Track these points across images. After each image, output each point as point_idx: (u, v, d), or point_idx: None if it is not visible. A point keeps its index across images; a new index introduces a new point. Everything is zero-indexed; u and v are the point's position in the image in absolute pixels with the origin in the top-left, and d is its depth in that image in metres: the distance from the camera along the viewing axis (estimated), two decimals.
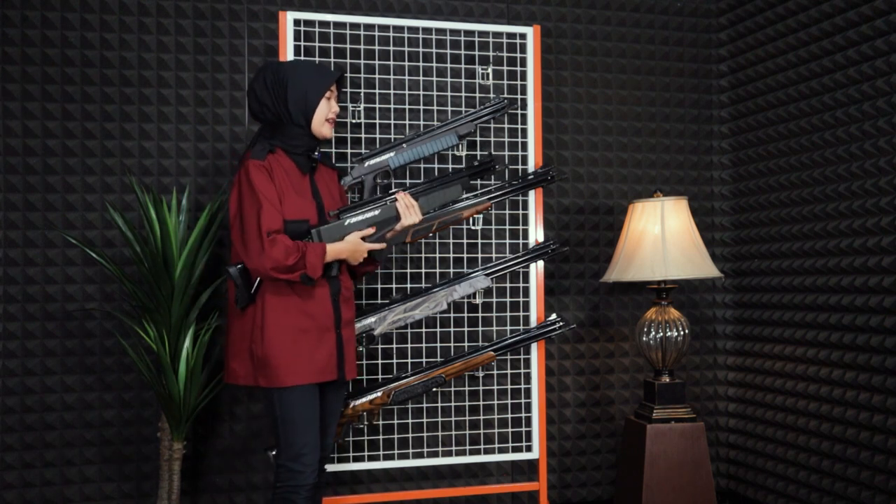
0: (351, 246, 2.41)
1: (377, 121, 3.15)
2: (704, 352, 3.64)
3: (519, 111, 3.23)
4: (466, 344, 3.18)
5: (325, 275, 2.37)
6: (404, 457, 3.13)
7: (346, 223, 2.42)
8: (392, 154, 2.88)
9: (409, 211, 2.53)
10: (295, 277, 2.28)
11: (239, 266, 2.32)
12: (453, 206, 2.93)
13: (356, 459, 3.07)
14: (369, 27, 3.13)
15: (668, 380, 3.10)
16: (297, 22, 2.97)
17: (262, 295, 2.33)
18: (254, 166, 2.29)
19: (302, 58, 2.96)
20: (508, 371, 3.21)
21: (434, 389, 2.98)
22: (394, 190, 2.60)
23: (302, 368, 2.30)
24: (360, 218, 2.45)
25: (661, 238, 3.02)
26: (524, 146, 3.17)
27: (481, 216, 3.11)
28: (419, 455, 3.18)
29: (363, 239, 2.44)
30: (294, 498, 2.31)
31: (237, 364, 2.36)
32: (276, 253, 2.23)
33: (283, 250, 2.24)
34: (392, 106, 3.18)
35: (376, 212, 2.48)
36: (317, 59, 3.12)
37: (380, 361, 3.08)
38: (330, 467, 2.93)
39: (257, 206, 2.26)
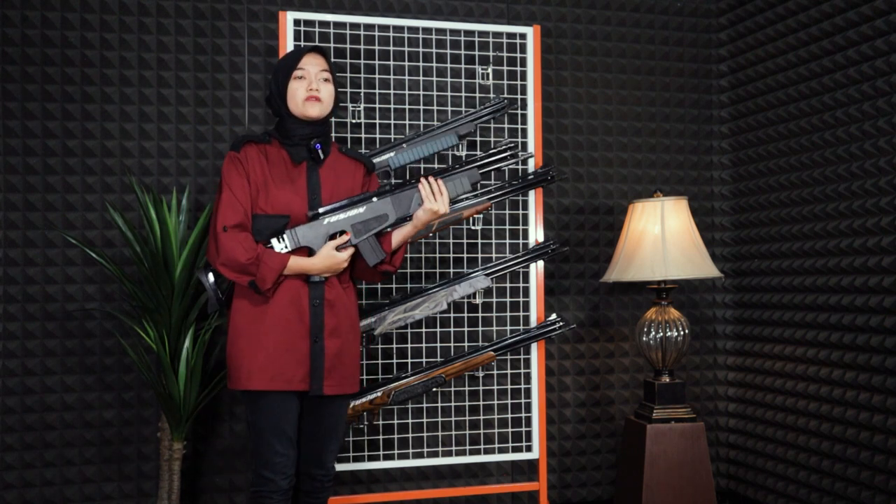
0: (324, 262, 2.22)
1: (377, 121, 3.15)
2: (704, 352, 3.64)
3: (519, 111, 3.23)
4: (466, 344, 3.18)
5: (307, 280, 2.24)
6: (404, 457, 3.13)
7: (324, 222, 2.25)
8: (392, 154, 2.88)
9: (435, 196, 2.31)
10: (244, 281, 2.17)
11: (212, 269, 2.26)
12: (453, 205, 2.93)
13: (356, 459, 3.07)
14: (369, 27, 3.13)
15: (668, 380, 3.10)
16: (297, 22, 2.98)
17: (234, 298, 2.27)
18: (227, 158, 2.25)
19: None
20: (508, 371, 3.21)
21: (434, 389, 2.98)
22: (385, 186, 2.39)
23: (261, 373, 2.18)
24: (341, 217, 2.26)
25: (661, 238, 3.02)
26: (524, 146, 3.17)
27: (481, 216, 3.11)
28: (419, 455, 3.18)
29: (338, 248, 2.25)
30: (266, 502, 2.24)
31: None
32: (229, 247, 2.14)
33: (239, 247, 2.14)
34: (392, 106, 3.18)
35: (361, 209, 2.28)
36: None
37: (380, 361, 3.08)
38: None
39: (221, 198, 2.22)
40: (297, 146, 2.30)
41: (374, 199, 2.30)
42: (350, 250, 2.27)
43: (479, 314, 3.22)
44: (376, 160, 2.87)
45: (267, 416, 2.21)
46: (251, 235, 2.21)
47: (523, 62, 3.21)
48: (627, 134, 3.57)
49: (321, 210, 2.26)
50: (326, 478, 2.37)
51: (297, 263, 2.21)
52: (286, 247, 2.23)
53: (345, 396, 2.34)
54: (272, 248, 2.22)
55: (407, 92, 3.18)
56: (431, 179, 2.35)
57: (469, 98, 3.24)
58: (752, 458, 3.45)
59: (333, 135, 3.07)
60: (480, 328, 3.22)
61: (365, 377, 3.06)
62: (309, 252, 2.26)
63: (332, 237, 2.27)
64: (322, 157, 2.31)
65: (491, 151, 2.89)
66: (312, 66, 2.30)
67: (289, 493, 2.27)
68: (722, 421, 3.63)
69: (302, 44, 3.00)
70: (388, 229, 2.36)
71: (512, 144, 2.89)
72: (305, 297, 2.23)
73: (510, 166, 2.91)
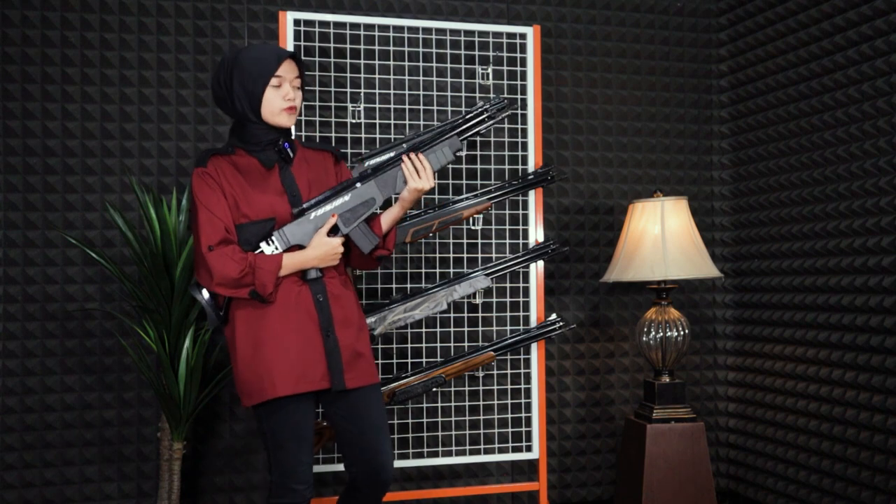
0: (318, 249, 2.16)
1: (377, 121, 3.14)
2: (704, 352, 3.64)
3: (519, 111, 3.23)
4: (466, 344, 3.18)
5: (304, 278, 2.17)
6: (404, 457, 3.13)
7: (311, 217, 2.18)
8: (392, 154, 2.87)
9: (419, 173, 2.23)
10: (243, 294, 2.09)
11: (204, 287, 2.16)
12: (453, 206, 2.93)
13: None
14: (369, 27, 3.13)
15: (668, 380, 3.10)
16: (297, 22, 2.97)
17: (233, 310, 2.17)
18: (196, 175, 2.13)
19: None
20: (508, 371, 3.21)
21: (434, 389, 2.98)
22: (365, 170, 2.30)
23: (277, 379, 2.10)
24: (327, 208, 2.19)
25: (661, 238, 3.02)
26: (524, 146, 3.17)
27: (481, 216, 3.11)
28: (419, 455, 3.18)
29: (331, 233, 2.18)
30: None
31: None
32: (220, 266, 2.05)
33: (229, 262, 2.06)
34: (392, 106, 3.18)
35: (346, 197, 2.21)
36: (316, 59, 3.12)
37: (380, 361, 3.08)
38: (329, 468, 2.94)
39: (198, 218, 2.10)
40: (265, 151, 2.19)
41: (358, 184, 2.24)
42: (336, 239, 2.20)
43: (479, 314, 3.22)
44: (376, 160, 2.86)
45: (288, 425, 2.14)
46: (238, 247, 2.12)
47: (523, 62, 3.20)
48: (627, 134, 3.57)
49: (305, 205, 2.19)
50: (389, 483, 2.26)
51: (293, 259, 2.15)
52: (277, 248, 2.17)
53: (375, 387, 2.26)
54: (262, 252, 2.16)
55: (407, 92, 3.18)
56: (413, 156, 2.26)
57: (469, 98, 3.24)
58: (752, 458, 3.45)
59: (333, 135, 3.08)
60: (480, 328, 3.22)
61: None
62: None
63: None
64: (291, 155, 2.23)
65: (468, 116, 2.77)
66: (289, 73, 2.18)
67: (309, 500, 2.21)
68: (722, 421, 3.63)
69: (302, 44, 2.99)
70: (377, 213, 2.31)
71: (486, 107, 2.79)
72: (307, 294, 2.17)
73: (489, 127, 2.80)
